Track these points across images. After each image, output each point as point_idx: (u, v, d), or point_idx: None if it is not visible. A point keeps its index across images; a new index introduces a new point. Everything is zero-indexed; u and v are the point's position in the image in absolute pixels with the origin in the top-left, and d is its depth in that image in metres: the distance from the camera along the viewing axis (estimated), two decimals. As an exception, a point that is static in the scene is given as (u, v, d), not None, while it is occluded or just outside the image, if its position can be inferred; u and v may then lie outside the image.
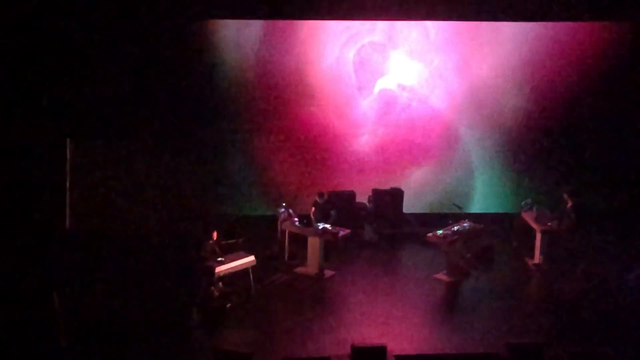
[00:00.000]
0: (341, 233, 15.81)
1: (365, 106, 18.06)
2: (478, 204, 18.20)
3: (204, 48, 17.30)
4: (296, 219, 16.02)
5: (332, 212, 16.29)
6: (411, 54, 18.00)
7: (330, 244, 15.94)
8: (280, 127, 17.84)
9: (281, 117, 17.79)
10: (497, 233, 17.17)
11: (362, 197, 17.83)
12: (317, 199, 16.33)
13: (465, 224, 16.10)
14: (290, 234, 16.09)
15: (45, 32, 15.88)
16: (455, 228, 15.90)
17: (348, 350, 11.55)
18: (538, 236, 16.12)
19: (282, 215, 16.25)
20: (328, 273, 15.69)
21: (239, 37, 17.44)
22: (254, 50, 17.51)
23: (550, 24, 17.64)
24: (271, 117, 17.78)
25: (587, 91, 17.98)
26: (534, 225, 16.22)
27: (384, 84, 18.08)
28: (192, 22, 16.83)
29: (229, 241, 15.08)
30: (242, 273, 14.50)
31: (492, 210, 18.15)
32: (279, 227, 16.35)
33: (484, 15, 16.90)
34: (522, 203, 16.88)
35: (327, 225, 15.81)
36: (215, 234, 14.50)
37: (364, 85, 18.02)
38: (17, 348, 12.15)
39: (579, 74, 17.94)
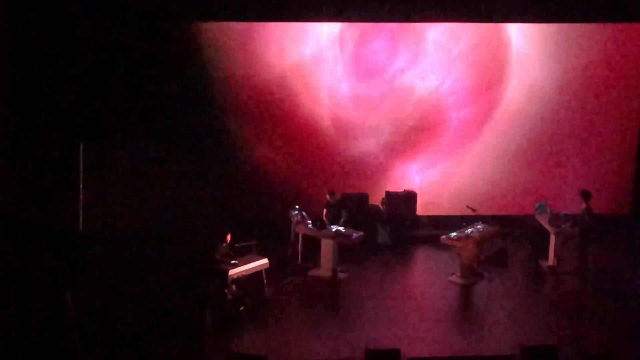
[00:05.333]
0: (355, 235, 15.79)
1: (376, 103, 17.94)
2: (493, 206, 18.09)
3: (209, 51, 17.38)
4: (309, 222, 16.02)
5: (343, 213, 16.24)
6: (427, 44, 17.90)
7: (343, 246, 15.92)
8: (288, 129, 17.78)
9: (289, 119, 17.73)
10: (510, 235, 17.12)
11: (376, 200, 17.81)
12: (328, 198, 16.32)
13: (478, 226, 16.09)
14: (304, 236, 16.09)
15: (57, 36, 15.95)
16: (469, 230, 15.87)
17: (362, 353, 11.50)
18: (552, 238, 16.07)
19: (295, 218, 16.26)
20: (341, 276, 15.68)
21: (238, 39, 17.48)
22: (252, 52, 17.46)
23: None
24: (279, 120, 17.73)
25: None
26: (548, 228, 16.18)
27: (398, 78, 17.96)
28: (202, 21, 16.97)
29: (243, 244, 15.09)
30: (255, 276, 14.50)
31: (507, 212, 18.05)
32: (292, 230, 16.36)
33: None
34: (536, 205, 16.82)
35: (341, 228, 15.79)
36: (229, 237, 14.51)
37: (374, 80, 17.90)
38: (31, 348, 12.20)
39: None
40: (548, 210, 16.49)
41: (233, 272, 14.07)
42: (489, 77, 17.94)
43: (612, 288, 15.17)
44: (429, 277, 16.09)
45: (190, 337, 13.05)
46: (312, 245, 16.04)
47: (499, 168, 18.24)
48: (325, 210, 16.23)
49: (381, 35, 17.73)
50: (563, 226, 15.99)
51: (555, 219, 16.22)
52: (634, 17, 17.33)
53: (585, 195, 16.06)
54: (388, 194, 17.80)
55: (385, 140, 18.05)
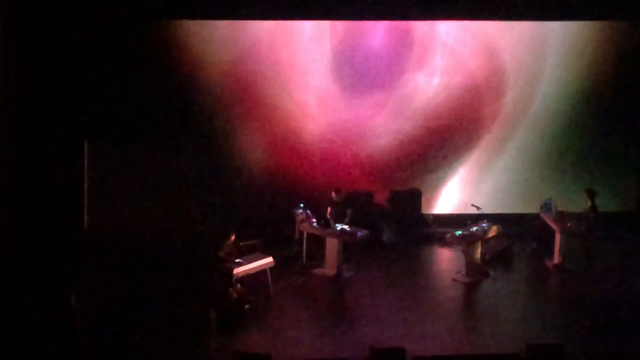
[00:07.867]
0: (359, 234, 15.76)
1: (382, 102, 17.90)
2: (498, 204, 18.04)
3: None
4: (314, 220, 15.99)
5: (348, 212, 16.18)
6: (434, 42, 17.87)
7: (348, 245, 15.90)
8: (294, 127, 17.77)
9: (293, 117, 17.72)
10: (516, 234, 17.09)
11: (380, 198, 17.79)
12: (333, 196, 16.27)
13: (483, 225, 16.05)
14: (308, 235, 16.06)
15: (61, 35, 15.95)
16: (474, 229, 15.84)
17: (367, 352, 11.50)
18: (557, 237, 16.03)
19: (300, 216, 16.23)
20: (346, 274, 15.65)
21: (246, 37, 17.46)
22: (251, 50, 17.45)
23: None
24: (282, 118, 17.72)
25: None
26: (554, 226, 16.14)
27: (404, 77, 17.92)
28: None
29: (247, 242, 15.07)
30: (260, 274, 14.48)
31: (513, 211, 18.01)
32: (296, 228, 16.34)
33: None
34: (542, 204, 16.78)
35: (345, 226, 15.76)
36: (233, 236, 14.50)
37: (379, 79, 17.85)
38: (36, 347, 12.20)
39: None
40: (553, 209, 16.44)
41: (238, 270, 14.04)
42: (495, 78, 17.91)
43: (618, 286, 15.13)
44: (434, 275, 16.08)
45: (195, 336, 13.05)
46: (317, 243, 16.01)
47: (504, 166, 18.23)
48: (329, 209, 16.19)
49: (390, 33, 17.73)
50: (568, 224, 15.95)
51: (560, 217, 16.18)
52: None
53: (591, 193, 16.04)
54: (393, 192, 17.78)
55: (391, 139, 18.00)
